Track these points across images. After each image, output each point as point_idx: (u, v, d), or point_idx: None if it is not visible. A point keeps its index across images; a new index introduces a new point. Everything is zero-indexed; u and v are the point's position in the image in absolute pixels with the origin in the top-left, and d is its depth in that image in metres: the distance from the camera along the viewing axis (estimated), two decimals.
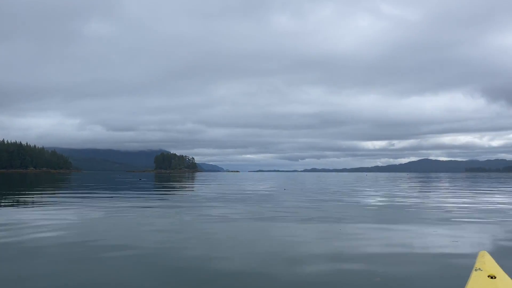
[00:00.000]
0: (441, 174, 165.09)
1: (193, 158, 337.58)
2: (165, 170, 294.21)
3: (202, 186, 38.41)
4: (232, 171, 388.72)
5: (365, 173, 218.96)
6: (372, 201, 19.70)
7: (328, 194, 25.48)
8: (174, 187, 35.33)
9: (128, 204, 17.30)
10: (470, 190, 31.09)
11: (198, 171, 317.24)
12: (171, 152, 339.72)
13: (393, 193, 26.73)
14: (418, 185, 41.13)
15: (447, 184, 43.48)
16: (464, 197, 22.28)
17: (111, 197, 21.90)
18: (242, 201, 18.96)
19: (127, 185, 38.61)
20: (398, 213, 14.20)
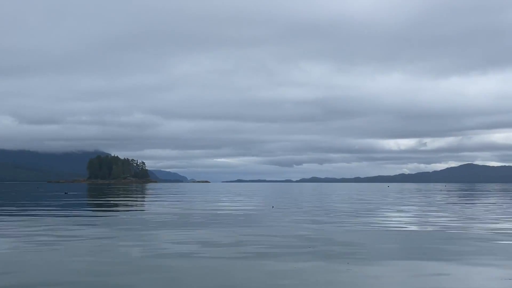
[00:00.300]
0: (492, 186, 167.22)
1: (143, 163, 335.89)
2: (104, 180, 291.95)
3: (155, 203, 38.14)
4: (199, 182, 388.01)
5: (386, 184, 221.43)
6: (395, 225, 19.83)
7: (333, 214, 25.47)
8: (115, 205, 34.99)
9: (49, 231, 17.04)
10: None
11: (151, 182, 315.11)
12: (112, 155, 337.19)
13: (424, 213, 27.03)
14: (460, 201, 41.62)
15: (500, 200, 44.09)
16: None
17: (24, 220, 21.52)
18: (211, 226, 18.87)
19: (48, 202, 38.15)
20: (431, 243, 14.30)
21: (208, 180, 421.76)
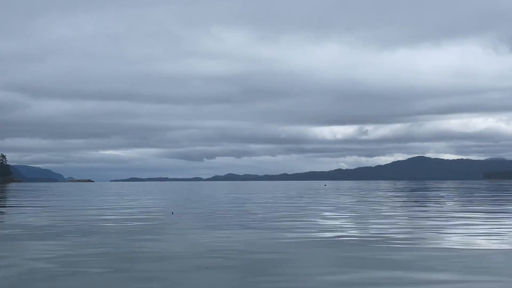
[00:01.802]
0: (447, 183, 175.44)
1: (3, 156, 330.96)
2: None
3: (18, 210, 37.66)
4: (79, 181, 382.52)
5: (322, 183, 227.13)
6: (329, 233, 20.11)
7: (251, 220, 25.81)
8: None
9: None
10: (495, 213, 33.11)
11: (14, 181, 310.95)
12: None
13: (366, 219, 27.66)
14: (410, 204, 43.33)
15: (454, 203, 45.99)
16: (486, 228, 23.62)
17: None
18: (89, 238, 18.53)
19: None
20: (375, 255, 14.51)
21: (92, 179, 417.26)
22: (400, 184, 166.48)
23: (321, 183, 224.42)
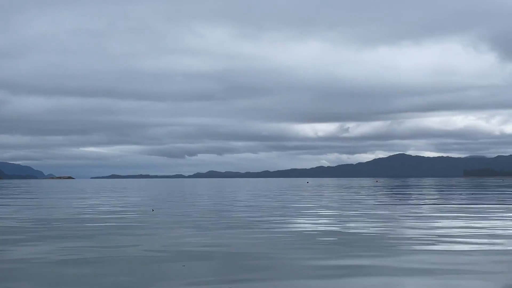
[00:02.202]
0: (427, 181, 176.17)
1: None
2: None
3: None
4: (60, 178, 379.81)
5: (304, 180, 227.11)
6: (312, 227, 20.07)
7: (230, 218, 25.65)
8: None
9: None
10: (477, 212, 33.15)
11: None
12: None
13: (347, 217, 27.67)
14: (392, 202, 43.50)
15: (434, 200, 46.17)
16: (470, 225, 23.64)
17: None
18: (67, 238, 18.31)
19: None
20: (353, 254, 14.47)
21: (72, 176, 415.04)
22: (381, 181, 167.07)
23: (303, 180, 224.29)
